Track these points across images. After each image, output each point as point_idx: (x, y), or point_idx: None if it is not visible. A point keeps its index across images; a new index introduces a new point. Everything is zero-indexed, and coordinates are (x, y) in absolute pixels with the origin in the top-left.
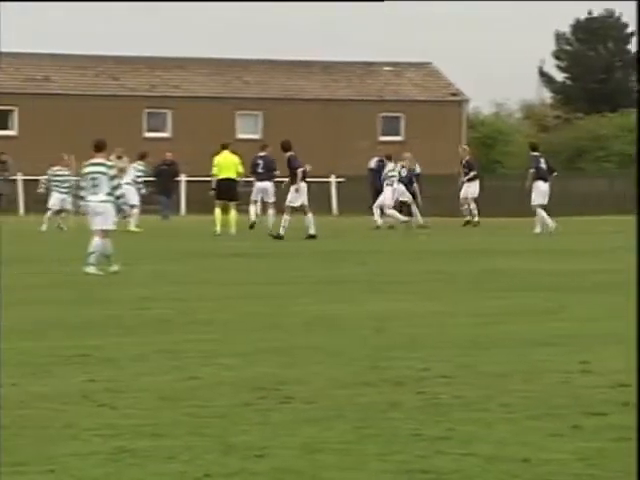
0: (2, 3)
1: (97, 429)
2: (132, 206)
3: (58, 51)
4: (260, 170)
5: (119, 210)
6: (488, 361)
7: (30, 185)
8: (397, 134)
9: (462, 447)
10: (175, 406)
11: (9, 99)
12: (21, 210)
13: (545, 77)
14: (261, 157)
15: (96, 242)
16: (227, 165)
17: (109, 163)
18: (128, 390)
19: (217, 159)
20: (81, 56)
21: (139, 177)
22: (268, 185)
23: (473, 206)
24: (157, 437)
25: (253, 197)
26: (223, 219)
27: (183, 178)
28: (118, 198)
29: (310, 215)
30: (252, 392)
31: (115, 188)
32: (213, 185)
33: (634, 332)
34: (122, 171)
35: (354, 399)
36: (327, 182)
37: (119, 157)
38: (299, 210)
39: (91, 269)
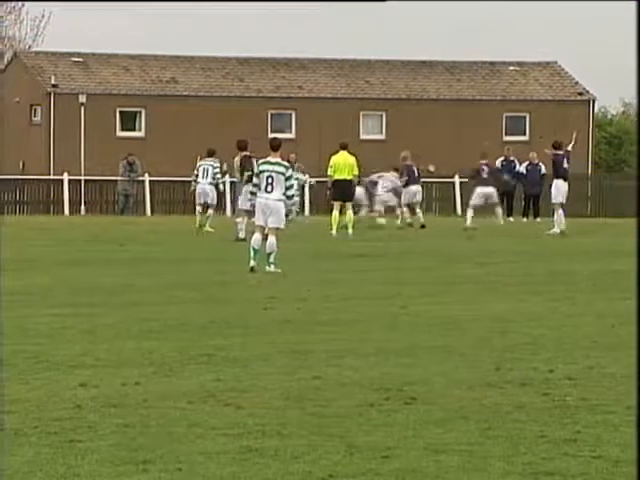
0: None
1: (223, 428)
2: (210, 206)
3: (184, 53)
4: None
5: (288, 211)
6: (614, 363)
7: (156, 186)
8: (522, 134)
9: (589, 449)
10: (300, 406)
11: (136, 100)
12: (148, 211)
13: None
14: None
15: (270, 241)
16: (344, 165)
17: (286, 163)
18: (253, 390)
19: (334, 159)
20: (207, 57)
21: (216, 175)
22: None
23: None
24: (282, 437)
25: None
26: (340, 220)
27: (307, 179)
28: (290, 198)
29: (240, 219)
30: (376, 393)
31: (289, 188)
32: (329, 185)
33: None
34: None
35: (478, 400)
36: (451, 182)
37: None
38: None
39: (272, 268)
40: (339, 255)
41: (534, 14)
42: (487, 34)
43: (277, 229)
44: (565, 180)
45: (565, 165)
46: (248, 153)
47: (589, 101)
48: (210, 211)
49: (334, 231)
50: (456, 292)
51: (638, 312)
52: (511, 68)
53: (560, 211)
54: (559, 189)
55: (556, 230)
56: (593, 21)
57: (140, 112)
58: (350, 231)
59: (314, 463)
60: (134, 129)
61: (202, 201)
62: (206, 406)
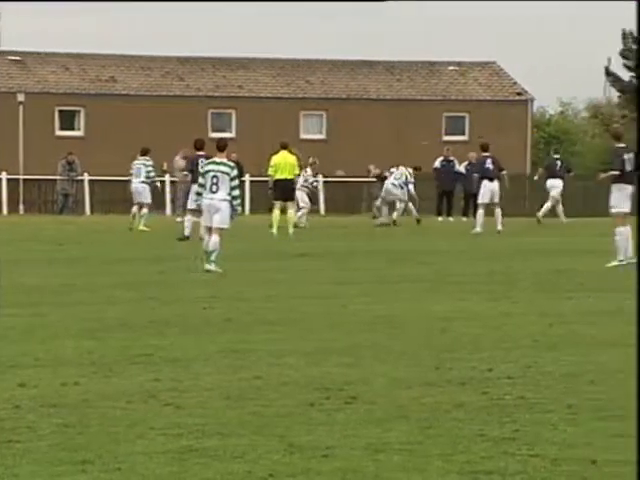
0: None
1: (163, 428)
2: (144, 205)
3: (123, 52)
4: None
5: (232, 211)
6: (553, 362)
7: (95, 186)
8: (461, 134)
9: (527, 448)
10: (240, 406)
11: (76, 100)
12: (87, 211)
13: (612, 76)
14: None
15: (213, 240)
16: (285, 165)
17: (231, 163)
18: (193, 389)
19: (275, 159)
20: (146, 57)
21: (150, 174)
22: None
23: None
24: (222, 436)
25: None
26: (281, 219)
27: (248, 178)
28: (235, 199)
29: (189, 217)
30: (317, 392)
31: (234, 188)
32: (270, 185)
33: (634, 332)
34: (180, 170)
35: (418, 399)
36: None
37: (185, 157)
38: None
39: (212, 267)
40: (281, 255)
41: (473, 14)
42: (427, 34)
43: (221, 229)
44: (491, 180)
45: (489, 166)
46: (204, 153)
47: (527, 101)
48: (144, 210)
49: (274, 230)
50: (397, 291)
51: (638, 312)
52: (450, 68)
53: (481, 211)
54: (484, 189)
55: (477, 229)
56: (532, 21)
57: (79, 111)
58: (291, 230)
59: (254, 462)
60: (73, 128)
61: (136, 200)
62: (146, 406)
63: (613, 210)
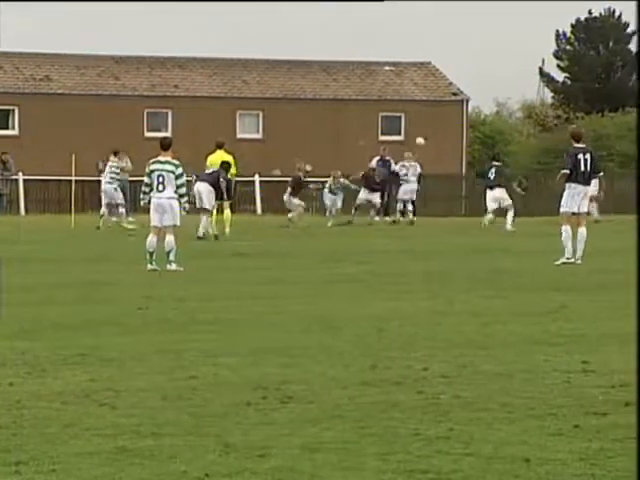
0: (2, 3)
1: (98, 429)
2: (114, 205)
3: (58, 51)
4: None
5: (181, 208)
6: (488, 361)
7: (30, 185)
8: (398, 133)
9: (462, 447)
10: (176, 406)
11: (10, 98)
12: (22, 210)
13: (545, 77)
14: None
15: (168, 239)
16: (220, 165)
17: (176, 162)
18: (129, 390)
19: (211, 158)
20: (81, 56)
21: (113, 174)
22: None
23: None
24: (158, 437)
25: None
26: (217, 219)
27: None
28: (182, 197)
29: (205, 217)
30: (253, 392)
31: (180, 187)
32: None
33: (634, 332)
34: (123, 170)
35: (354, 399)
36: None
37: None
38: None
39: (173, 266)
40: (217, 254)
41: (408, 14)
42: (362, 34)
43: (173, 226)
44: (492, 189)
45: (490, 176)
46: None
47: (463, 101)
48: (121, 209)
49: (211, 230)
50: (334, 291)
51: (638, 312)
52: (386, 68)
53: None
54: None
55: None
56: (467, 22)
57: (13, 110)
58: (228, 230)
59: (190, 463)
60: (7, 127)
61: (104, 201)
62: (81, 406)
63: (561, 209)
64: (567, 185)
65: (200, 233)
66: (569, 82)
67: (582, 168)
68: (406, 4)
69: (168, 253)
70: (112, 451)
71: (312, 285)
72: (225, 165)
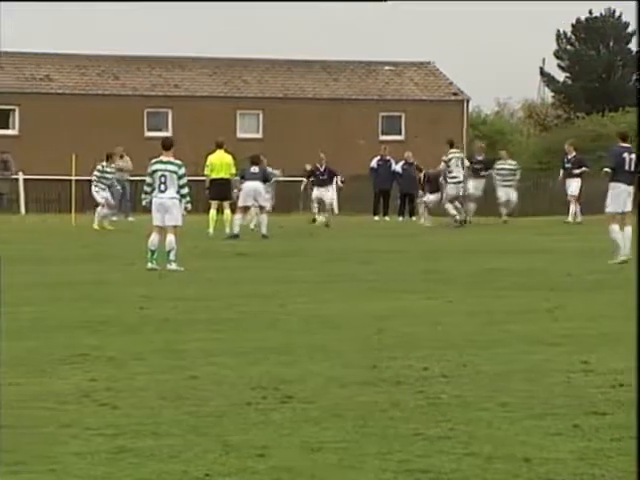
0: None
1: (98, 428)
2: (100, 204)
3: (58, 51)
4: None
5: (183, 209)
6: (488, 361)
7: (30, 185)
8: (398, 133)
9: (462, 447)
10: (176, 405)
11: (10, 98)
12: (22, 210)
13: (546, 77)
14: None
15: (169, 239)
16: (220, 165)
17: (179, 162)
18: (129, 389)
19: (210, 158)
20: (81, 55)
21: (96, 175)
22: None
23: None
24: (158, 436)
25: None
26: (218, 219)
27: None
28: (184, 197)
29: (239, 216)
30: (252, 391)
31: (182, 187)
32: (207, 185)
33: (634, 332)
34: (122, 170)
35: (354, 398)
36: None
37: (121, 156)
38: None
39: (173, 266)
40: (218, 254)
41: (409, 14)
42: (363, 34)
43: (175, 227)
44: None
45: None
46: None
47: (463, 101)
48: (98, 209)
49: (211, 230)
50: (335, 291)
51: (638, 312)
52: (387, 68)
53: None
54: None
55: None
56: (468, 22)
57: (14, 110)
58: (228, 230)
59: (190, 462)
60: (8, 127)
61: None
62: (81, 406)
63: (607, 210)
64: (611, 185)
65: (264, 231)
66: (570, 82)
67: (626, 167)
68: (407, 4)
69: (168, 253)
70: (112, 451)
71: (312, 285)
72: (255, 159)
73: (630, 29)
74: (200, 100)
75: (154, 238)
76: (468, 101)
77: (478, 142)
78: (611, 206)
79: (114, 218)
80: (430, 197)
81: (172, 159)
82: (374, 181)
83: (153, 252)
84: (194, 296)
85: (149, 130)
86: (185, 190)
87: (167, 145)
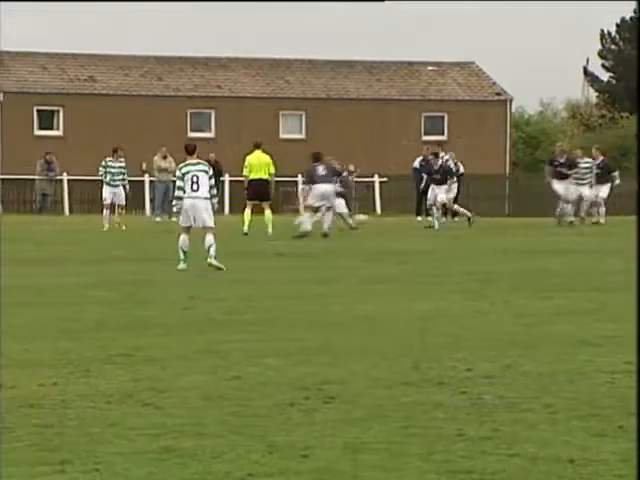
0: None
1: (142, 428)
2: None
3: (102, 52)
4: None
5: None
6: (532, 361)
7: (74, 185)
8: (440, 133)
9: (506, 447)
10: (219, 406)
11: (54, 99)
12: (66, 210)
13: (590, 76)
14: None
15: (208, 238)
16: (259, 165)
17: (207, 163)
18: (172, 390)
19: (249, 159)
20: (125, 56)
21: (120, 175)
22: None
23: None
24: (201, 437)
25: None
26: (255, 219)
27: (227, 178)
28: (213, 197)
29: (309, 214)
30: (296, 392)
31: (212, 187)
32: (245, 185)
33: (634, 332)
34: (166, 171)
35: (397, 399)
36: (371, 182)
37: (164, 157)
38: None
39: (215, 261)
40: (259, 254)
41: (452, 14)
42: (405, 34)
43: (211, 227)
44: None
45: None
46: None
47: (506, 101)
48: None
49: (246, 229)
50: (376, 291)
51: (638, 312)
52: (429, 68)
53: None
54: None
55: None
56: (511, 22)
57: (58, 111)
58: (270, 230)
59: (233, 463)
60: (52, 128)
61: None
62: (124, 406)
63: None
64: None
65: (326, 229)
66: (614, 82)
67: None
68: (451, 4)
69: (209, 249)
70: (156, 451)
71: (353, 285)
72: (317, 156)
73: None
74: (243, 101)
75: (184, 238)
76: (511, 101)
77: (560, 144)
78: None
79: (158, 219)
80: None
81: (200, 160)
82: (416, 181)
83: (185, 252)
84: (237, 296)
85: (192, 131)
86: (214, 191)
87: (191, 149)
